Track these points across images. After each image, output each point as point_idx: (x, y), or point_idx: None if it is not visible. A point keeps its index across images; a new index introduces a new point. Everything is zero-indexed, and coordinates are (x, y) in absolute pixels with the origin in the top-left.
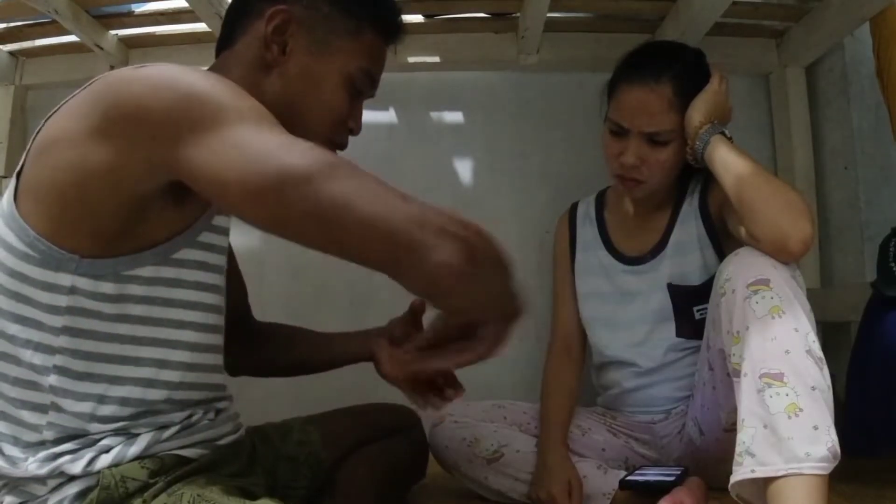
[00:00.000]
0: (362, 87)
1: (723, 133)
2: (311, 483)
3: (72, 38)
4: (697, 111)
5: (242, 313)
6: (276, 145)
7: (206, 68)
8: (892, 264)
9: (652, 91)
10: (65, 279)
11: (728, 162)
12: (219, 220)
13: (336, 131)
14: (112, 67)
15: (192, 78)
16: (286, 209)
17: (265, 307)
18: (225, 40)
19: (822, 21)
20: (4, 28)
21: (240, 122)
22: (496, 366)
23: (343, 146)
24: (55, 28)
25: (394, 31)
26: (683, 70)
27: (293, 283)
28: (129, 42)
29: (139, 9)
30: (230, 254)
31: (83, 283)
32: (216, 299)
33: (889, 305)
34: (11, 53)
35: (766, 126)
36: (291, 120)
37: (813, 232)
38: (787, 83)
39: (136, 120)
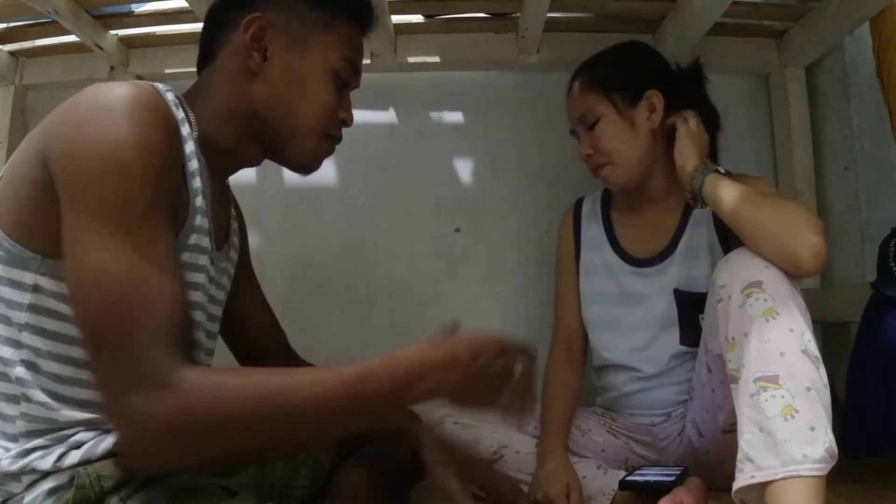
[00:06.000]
0: (347, 78)
1: (717, 171)
2: (312, 483)
3: (72, 38)
4: (686, 158)
5: (269, 343)
6: (95, 280)
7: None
8: (892, 264)
9: (573, 90)
10: (28, 277)
11: (726, 196)
12: (197, 240)
13: (329, 126)
14: (112, 68)
15: (100, 134)
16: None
17: None
18: (205, 57)
19: (822, 21)
20: (4, 28)
21: (96, 218)
22: None
23: (338, 139)
24: (55, 28)
25: (367, 18)
26: (596, 62)
27: (292, 285)
28: (129, 42)
29: (139, 9)
30: (244, 281)
31: (45, 282)
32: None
33: (889, 305)
34: (11, 53)
35: (766, 126)
36: (284, 123)
37: (822, 242)
38: (787, 83)
39: (50, 155)
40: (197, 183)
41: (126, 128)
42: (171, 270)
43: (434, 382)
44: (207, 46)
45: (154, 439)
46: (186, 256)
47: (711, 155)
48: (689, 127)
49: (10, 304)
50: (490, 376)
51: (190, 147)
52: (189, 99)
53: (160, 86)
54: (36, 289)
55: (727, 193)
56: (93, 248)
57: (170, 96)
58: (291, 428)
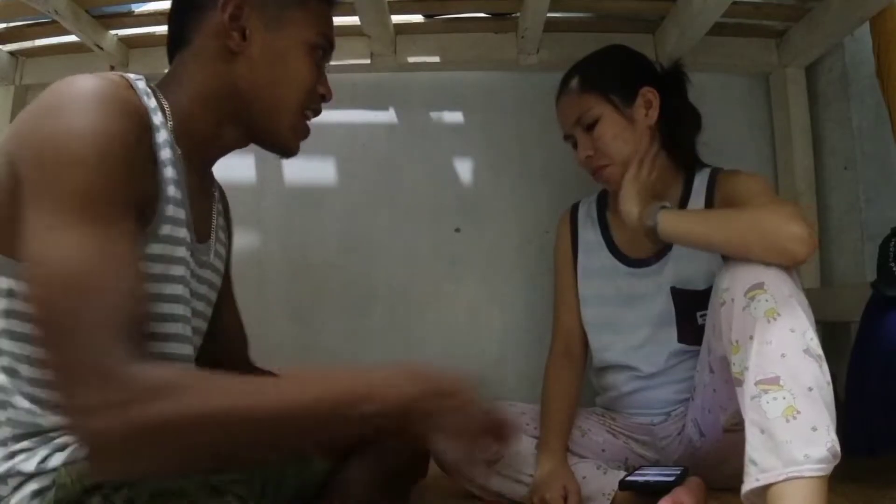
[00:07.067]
0: (324, 52)
1: (664, 206)
2: (300, 476)
3: (72, 38)
4: (629, 204)
5: (231, 351)
6: (57, 270)
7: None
8: (892, 264)
9: (566, 95)
10: (2, 282)
11: (687, 228)
12: (172, 231)
13: (310, 101)
14: (112, 67)
15: (63, 128)
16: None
17: (265, 308)
18: (177, 40)
19: (822, 21)
20: (4, 28)
21: (54, 213)
22: (497, 366)
23: (318, 112)
24: (55, 28)
25: None
26: (587, 64)
27: (292, 284)
28: (129, 42)
29: (139, 9)
30: (223, 291)
31: (20, 286)
32: (167, 308)
33: (889, 305)
34: (11, 53)
35: (766, 126)
36: (268, 101)
37: (805, 227)
38: (787, 83)
39: (17, 154)
40: (169, 172)
41: (85, 120)
42: (130, 263)
43: (386, 405)
44: (179, 29)
45: (104, 439)
46: (159, 248)
47: (692, 155)
48: (631, 173)
49: None
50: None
51: (162, 136)
52: (164, 88)
53: (131, 76)
54: (10, 293)
55: (687, 225)
56: (49, 242)
57: (140, 85)
58: (253, 437)
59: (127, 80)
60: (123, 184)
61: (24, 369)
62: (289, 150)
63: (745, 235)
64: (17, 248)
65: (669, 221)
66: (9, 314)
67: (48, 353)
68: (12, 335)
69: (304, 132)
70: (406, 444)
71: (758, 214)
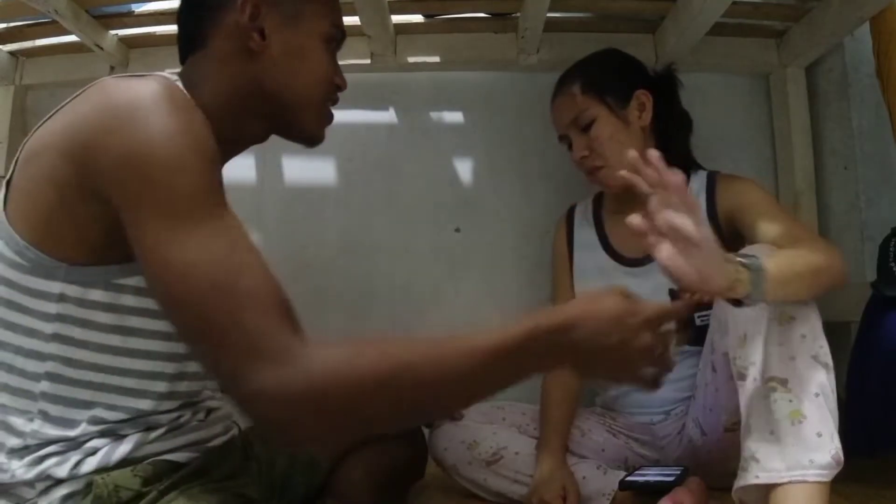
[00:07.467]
0: (338, 43)
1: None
2: (309, 481)
3: (72, 38)
4: (712, 276)
5: None
6: (180, 265)
7: (177, 72)
8: (892, 264)
9: (562, 96)
10: (54, 287)
11: (784, 286)
12: None
13: (330, 92)
14: (112, 67)
15: (152, 133)
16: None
17: None
18: (190, 41)
19: (822, 21)
20: (4, 28)
21: (169, 217)
22: None
23: (336, 102)
24: (55, 28)
25: None
26: (583, 66)
27: (292, 285)
28: (129, 42)
29: (139, 9)
30: None
31: (72, 290)
32: None
33: (889, 305)
34: (11, 53)
35: (766, 126)
36: (291, 97)
37: (833, 248)
38: (787, 83)
39: (92, 159)
40: None
41: (174, 122)
42: (255, 250)
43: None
44: (193, 30)
45: (293, 410)
46: None
47: (686, 157)
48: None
49: (35, 314)
50: (634, 351)
51: None
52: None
53: (170, 76)
54: (62, 298)
55: (783, 283)
56: (175, 246)
57: (179, 86)
58: (431, 397)
59: (171, 80)
60: (218, 177)
61: (72, 373)
62: (315, 140)
63: (815, 285)
64: (73, 252)
65: (773, 283)
66: (61, 318)
67: (213, 352)
68: (63, 339)
69: (329, 119)
70: (403, 444)
71: (812, 266)
